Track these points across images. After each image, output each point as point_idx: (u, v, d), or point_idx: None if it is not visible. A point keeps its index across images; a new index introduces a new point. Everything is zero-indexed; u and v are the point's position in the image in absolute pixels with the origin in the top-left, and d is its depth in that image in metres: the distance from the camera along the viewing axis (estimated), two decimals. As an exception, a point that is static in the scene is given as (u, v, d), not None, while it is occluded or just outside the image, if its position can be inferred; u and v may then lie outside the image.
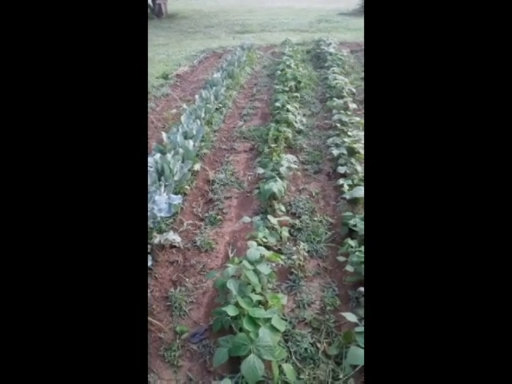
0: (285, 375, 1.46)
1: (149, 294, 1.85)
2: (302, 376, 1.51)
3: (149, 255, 1.86)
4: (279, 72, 5.54)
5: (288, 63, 5.82)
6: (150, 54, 8.27)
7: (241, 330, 1.55)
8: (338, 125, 3.71)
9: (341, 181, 2.76)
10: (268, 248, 2.11)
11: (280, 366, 1.46)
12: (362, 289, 1.85)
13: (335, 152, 3.13)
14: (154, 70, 6.77)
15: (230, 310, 1.54)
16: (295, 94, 4.72)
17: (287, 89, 4.76)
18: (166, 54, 8.27)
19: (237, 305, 1.59)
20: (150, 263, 1.85)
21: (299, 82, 5.21)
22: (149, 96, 5.37)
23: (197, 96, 4.36)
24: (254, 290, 1.73)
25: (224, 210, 2.72)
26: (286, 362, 1.54)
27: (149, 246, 2.14)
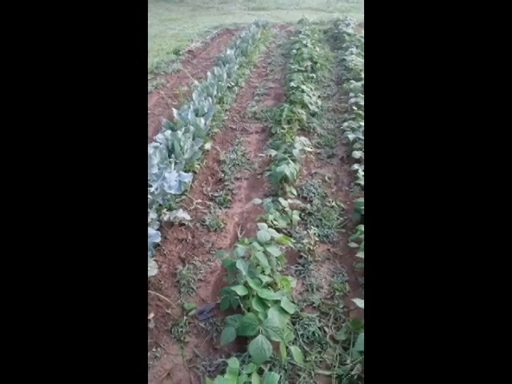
0: (292, 357, 1.45)
1: (157, 270, 1.84)
2: (308, 359, 1.50)
3: (158, 231, 1.85)
4: (295, 51, 5.36)
5: (304, 42, 5.62)
6: (161, 29, 8.08)
7: (249, 310, 1.54)
8: (355, 108, 3.59)
9: (355, 166, 2.68)
10: (278, 231, 2.08)
11: (287, 348, 1.45)
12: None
13: (351, 136, 3.04)
14: (165, 46, 6.61)
15: (239, 290, 1.53)
16: (311, 75, 4.57)
17: (303, 69, 4.61)
18: (178, 29, 8.06)
19: (246, 285, 1.57)
20: (158, 239, 1.83)
21: (315, 63, 5.03)
22: (159, 71, 5.27)
23: (209, 73, 4.25)
24: (263, 272, 1.71)
25: (234, 191, 2.68)
26: (294, 344, 1.53)
27: (158, 223, 2.12)
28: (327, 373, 1.46)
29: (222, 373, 1.34)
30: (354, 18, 8.05)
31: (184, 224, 2.29)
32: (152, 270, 1.80)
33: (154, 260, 1.93)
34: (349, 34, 6.33)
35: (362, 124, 3.18)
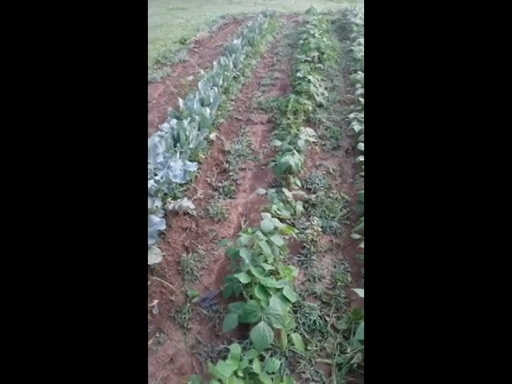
0: (293, 345, 1.47)
1: (161, 258, 1.86)
2: (309, 347, 1.52)
3: (163, 219, 1.86)
4: (302, 41, 5.29)
5: (312, 32, 5.54)
6: (168, 18, 8.01)
7: (251, 297, 1.56)
8: (361, 100, 3.54)
9: (360, 158, 2.67)
10: (281, 221, 2.08)
11: (289, 336, 1.47)
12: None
13: (356, 128, 3.01)
14: (171, 35, 6.57)
15: (242, 278, 1.54)
16: (318, 66, 4.51)
17: (310, 59, 4.56)
18: (184, 19, 7.99)
19: (249, 273, 1.58)
20: (163, 227, 1.85)
21: (322, 53, 4.97)
22: (166, 61, 5.24)
23: (215, 63, 4.22)
24: (266, 261, 1.72)
25: (238, 181, 2.69)
26: (295, 332, 1.55)
27: (162, 211, 2.13)
28: (327, 361, 1.47)
29: (224, 358, 1.36)
30: (363, 8, 7.89)
31: (188, 213, 2.31)
32: (156, 257, 1.82)
33: (159, 247, 1.96)
34: (357, 25, 6.22)
35: (369, 116, 3.15)
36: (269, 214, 1.91)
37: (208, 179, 2.71)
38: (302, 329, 1.59)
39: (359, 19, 6.64)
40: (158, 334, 1.62)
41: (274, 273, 1.74)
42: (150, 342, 1.58)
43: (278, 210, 2.18)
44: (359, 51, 4.80)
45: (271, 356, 1.45)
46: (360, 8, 7.79)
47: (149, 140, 2.23)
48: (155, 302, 1.74)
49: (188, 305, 1.74)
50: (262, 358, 1.43)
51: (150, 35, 6.01)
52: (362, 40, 5.36)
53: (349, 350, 1.49)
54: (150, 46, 5.64)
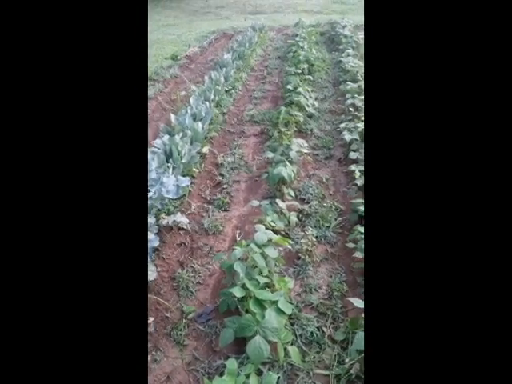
0: (290, 357, 1.46)
1: (156, 274, 1.86)
2: (307, 359, 1.51)
3: (156, 236, 1.86)
4: (291, 54, 5.39)
5: (301, 45, 5.65)
6: (159, 35, 8.13)
7: (247, 311, 1.55)
8: (352, 109, 3.61)
9: (352, 167, 2.70)
10: (276, 232, 2.09)
11: (285, 349, 1.46)
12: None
13: (347, 137, 3.06)
14: (163, 51, 6.66)
15: (237, 292, 1.54)
16: (308, 77, 4.60)
17: (299, 71, 4.64)
18: (175, 35, 8.12)
19: (243, 286, 1.58)
20: (157, 244, 1.85)
21: (312, 65, 5.06)
22: (157, 77, 5.30)
23: (206, 77, 4.28)
24: (260, 273, 1.72)
25: (232, 194, 2.70)
26: (292, 344, 1.54)
27: (156, 227, 2.13)
28: (326, 372, 1.46)
29: (221, 374, 1.35)
30: (351, 20, 8.09)
31: (183, 228, 2.31)
32: (151, 274, 1.81)
33: (153, 264, 1.95)
34: (345, 36, 6.36)
35: (359, 125, 3.20)
36: (263, 226, 1.92)
37: (202, 193, 2.72)
38: (299, 341, 1.58)
39: (348, 31, 6.79)
40: (154, 352, 1.60)
41: (269, 285, 1.74)
42: (146, 361, 1.56)
43: (272, 221, 2.19)
44: (348, 62, 4.90)
45: (269, 370, 1.43)
46: (348, 20, 7.98)
47: (141, 156, 2.24)
48: (151, 319, 1.73)
49: (184, 321, 1.72)
50: (259, 373, 1.42)
51: (142, 52, 6.10)
52: (350, 51, 5.48)
53: (347, 361, 1.49)
54: (142, 63, 5.71)
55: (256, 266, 1.73)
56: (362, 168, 2.67)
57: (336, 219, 2.38)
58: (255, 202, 2.31)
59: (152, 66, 5.71)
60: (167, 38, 7.83)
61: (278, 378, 1.39)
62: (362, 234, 2.04)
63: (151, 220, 2.02)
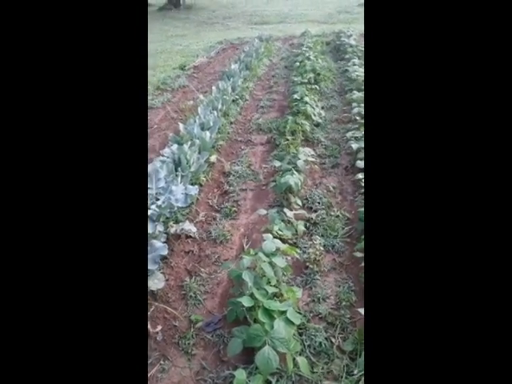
0: (299, 368, 1.45)
1: (164, 283, 1.87)
2: (315, 370, 1.49)
3: (165, 244, 1.88)
4: (298, 64, 5.45)
5: (307, 55, 5.71)
6: (167, 45, 8.30)
7: (255, 321, 1.55)
8: (358, 118, 3.62)
9: (359, 175, 2.70)
10: (283, 241, 2.10)
11: (294, 359, 1.46)
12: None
13: (354, 146, 3.06)
14: (171, 61, 6.79)
15: (245, 301, 1.54)
16: (314, 86, 4.63)
17: (306, 81, 4.68)
18: (183, 45, 8.27)
19: (252, 296, 1.58)
20: (165, 252, 1.87)
21: (318, 74, 5.11)
22: (165, 87, 5.40)
23: (214, 87, 4.34)
24: (269, 283, 1.72)
25: (239, 202, 2.71)
26: (300, 355, 1.53)
27: (165, 236, 2.15)
28: (335, 384, 1.45)
29: (229, 385, 1.34)
30: (357, 29, 8.17)
31: (191, 236, 2.33)
32: (159, 282, 1.83)
33: (161, 273, 1.96)
34: (351, 45, 6.42)
35: (366, 133, 3.21)
36: (270, 235, 1.93)
37: (209, 201, 2.74)
38: (307, 351, 1.57)
39: (353, 40, 6.86)
40: (162, 361, 1.60)
41: (277, 295, 1.73)
42: (154, 370, 1.56)
43: (280, 230, 2.19)
44: (354, 71, 4.94)
45: (277, 381, 1.42)
46: (354, 29, 8.06)
47: (150, 165, 2.28)
48: (159, 328, 1.73)
49: (192, 330, 1.72)
50: (268, 383, 1.41)
51: (150, 62, 6.22)
52: (356, 60, 5.52)
53: (356, 372, 1.47)
54: (150, 73, 5.83)
55: (264, 275, 1.73)
56: (370, 177, 2.66)
57: (343, 228, 2.37)
58: (262, 211, 2.32)
59: (160, 76, 5.82)
60: (175, 48, 7.98)
61: (287, 389, 1.38)
62: (370, 243, 2.03)
63: (160, 228, 2.04)
